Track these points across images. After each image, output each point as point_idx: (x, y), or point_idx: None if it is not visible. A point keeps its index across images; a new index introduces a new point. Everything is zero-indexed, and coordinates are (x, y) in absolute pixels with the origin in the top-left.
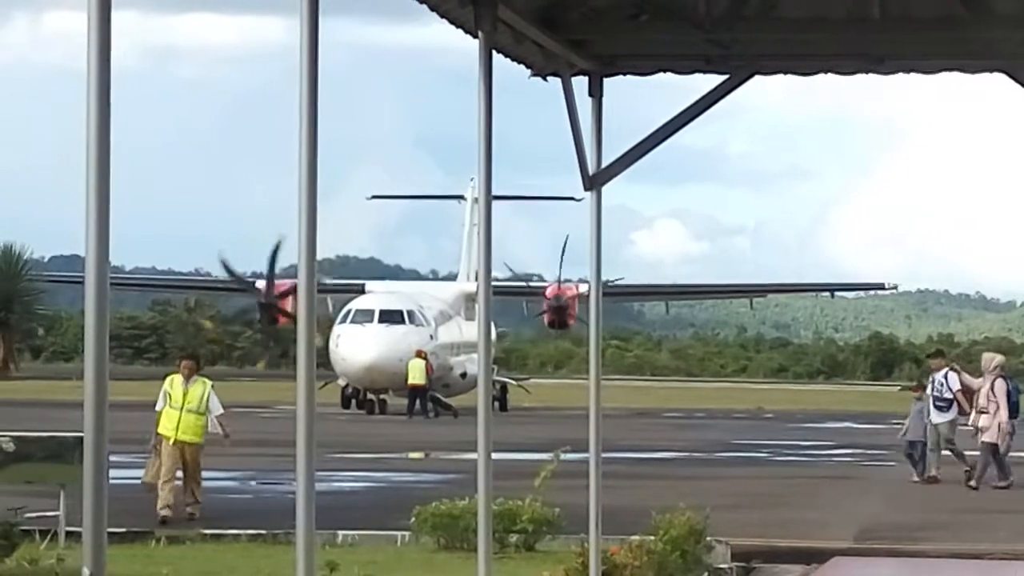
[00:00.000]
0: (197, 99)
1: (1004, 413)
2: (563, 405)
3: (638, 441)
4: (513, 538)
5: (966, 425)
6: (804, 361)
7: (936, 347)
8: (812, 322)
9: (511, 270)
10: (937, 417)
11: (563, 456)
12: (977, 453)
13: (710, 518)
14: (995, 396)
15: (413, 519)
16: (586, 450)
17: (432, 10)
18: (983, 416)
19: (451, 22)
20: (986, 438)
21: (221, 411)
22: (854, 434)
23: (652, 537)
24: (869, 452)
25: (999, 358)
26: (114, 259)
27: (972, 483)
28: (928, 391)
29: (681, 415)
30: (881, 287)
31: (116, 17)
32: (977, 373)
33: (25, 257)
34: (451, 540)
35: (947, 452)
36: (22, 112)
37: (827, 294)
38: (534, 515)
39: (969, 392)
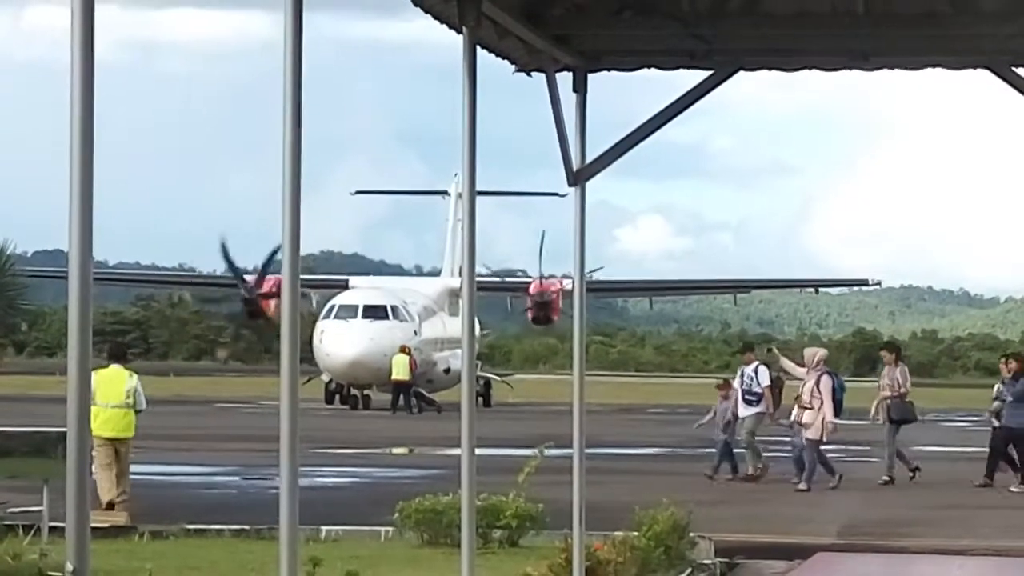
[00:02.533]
0: (181, 94)
1: (829, 410)
2: (547, 401)
3: (622, 437)
4: (497, 534)
5: (777, 423)
6: (788, 358)
7: (746, 342)
8: (796, 318)
9: (487, 268)
10: (744, 410)
11: (546, 452)
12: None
13: (693, 514)
14: (819, 392)
15: (397, 514)
16: (570, 446)
17: (416, 5)
18: (807, 412)
19: (435, 17)
20: (809, 435)
21: (145, 406)
22: (838, 430)
23: (635, 533)
24: (852, 448)
25: (822, 352)
26: (97, 254)
27: (801, 486)
28: (737, 385)
29: (665, 411)
30: (865, 283)
31: (99, 11)
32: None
33: (8, 252)
34: (435, 535)
35: (743, 448)
36: (4, 106)
37: (811, 290)
38: (518, 511)
39: (776, 387)
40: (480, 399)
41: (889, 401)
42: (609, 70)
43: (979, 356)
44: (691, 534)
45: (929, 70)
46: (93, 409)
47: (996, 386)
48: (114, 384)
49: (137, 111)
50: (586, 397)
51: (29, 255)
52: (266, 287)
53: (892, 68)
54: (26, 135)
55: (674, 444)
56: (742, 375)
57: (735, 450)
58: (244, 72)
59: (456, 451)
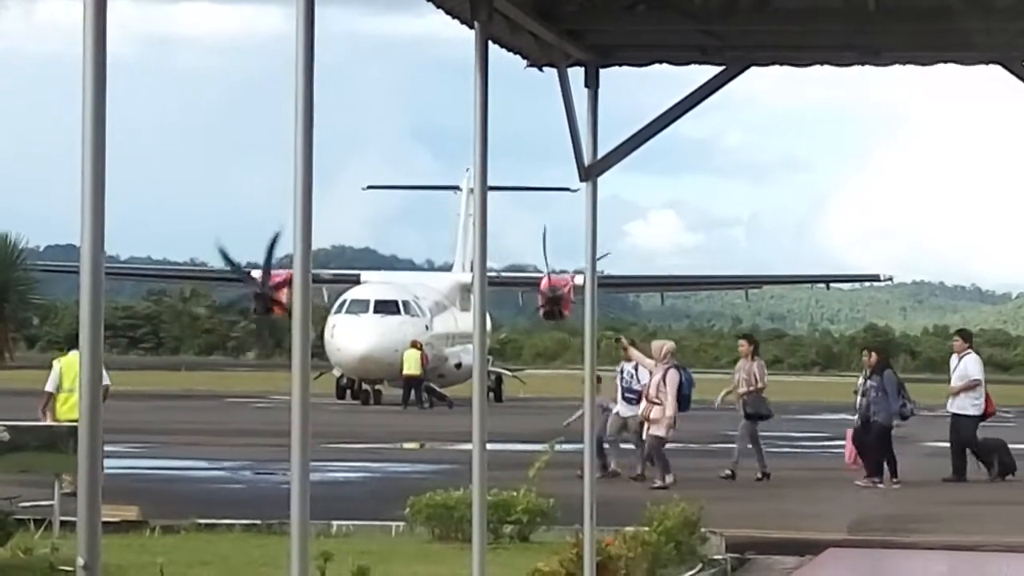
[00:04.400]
0: (194, 88)
1: (670, 405)
2: (558, 396)
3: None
4: (508, 529)
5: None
6: (799, 353)
7: (620, 338)
8: (807, 314)
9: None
10: (626, 410)
11: (557, 447)
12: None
13: (704, 509)
14: (666, 387)
15: (408, 509)
16: (580, 441)
17: (428, 0)
18: (654, 408)
19: (447, 12)
20: (654, 431)
21: (108, 382)
22: (849, 425)
23: (646, 528)
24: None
25: (669, 345)
26: (109, 248)
27: (659, 480)
28: (617, 382)
29: None
30: (876, 279)
31: (112, 5)
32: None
33: (20, 246)
34: (446, 531)
35: (630, 445)
36: (17, 101)
37: (822, 285)
38: (529, 506)
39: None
40: (491, 394)
41: (744, 396)
42: (621, 65)
43: (990, 352)
44: (702, 529)
45: (941, 66)
46: (61, 395)
47: (859, 381)
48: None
49: (149, 106)
50: (597, 392)
51: (41, 249)
52: (277, 281)
53: (903, 64)
54: (38, 130)
55: (685, 439)
56: (622, 372)
57: (605, 446)
58: (256, 67)
59: (467, 446)
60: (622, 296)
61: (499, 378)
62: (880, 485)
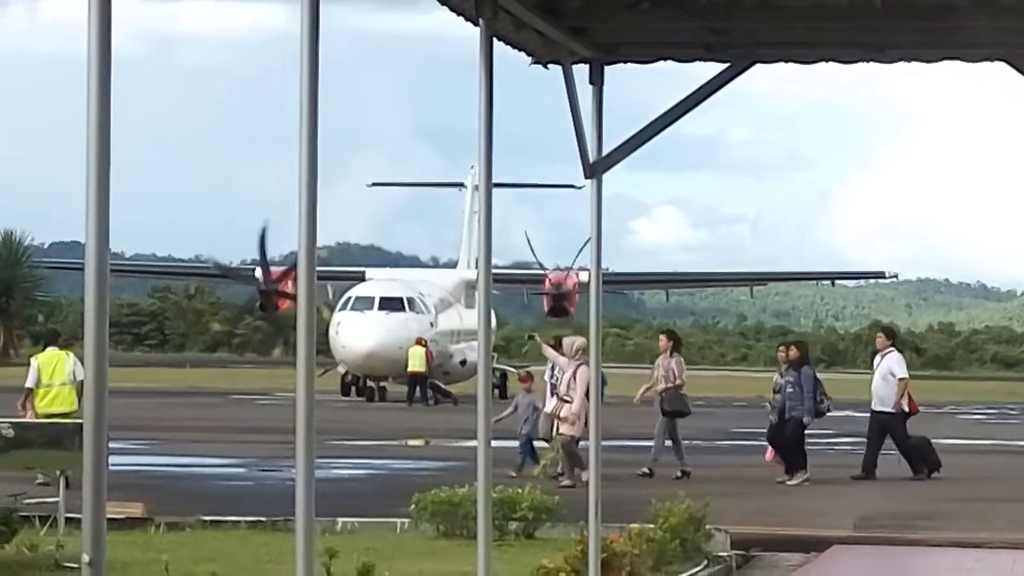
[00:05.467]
0: (198, 86)
1: (578, 402)
2: None
3: (638, 429)
4: (513, 526)
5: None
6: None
7: (556, 336)
8: (812, 310)
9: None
10: (551, 407)
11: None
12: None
13: (709, 506)
14: (576, 384)
15: (413, 506)
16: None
17: None
18: (565, 406)
19: (451, 9)
20: (564, 430)
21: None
22: (854, 422)
23: (652, 525)
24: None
25: (581, 341)
26: (114, 246)
27: (567, 481)
28: (547, 378)
29: None
30: (881, 275)
31: (117, 3)
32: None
33: (25, 243)
34: (451, 527)
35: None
36: (22, 99)
37: (827, 282)
38: (534, 503)
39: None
40: (496, 391)
41: (663, 393)
42: (626, 62)
43: (996, 349)
44: (707, 526)
45: (945, 63)
46: (40, 391)
47: (775, 377)
48: (57, 365)
49: (154, 103)
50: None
51: (46, 247)
52: (275, 275)
53: (908, 61)
54: (43, 128)
55: (690, 436)
56: (552, 370)
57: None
58: (261, 64)
59: (472, 443)
60: (627, 293)
61: (504, 375)
62: (791, 482)
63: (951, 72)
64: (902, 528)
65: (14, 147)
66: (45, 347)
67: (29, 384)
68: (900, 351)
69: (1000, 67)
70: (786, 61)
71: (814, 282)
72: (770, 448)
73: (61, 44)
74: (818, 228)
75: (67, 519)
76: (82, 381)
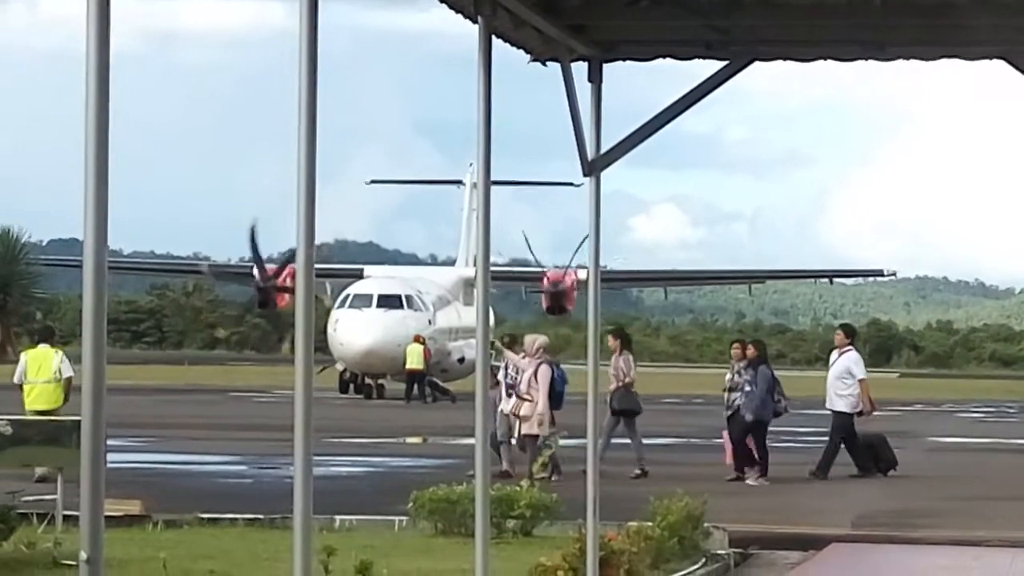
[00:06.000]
0: (197, 83)
1: (542, 401)
2: None
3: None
4: (510, 523)
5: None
6: (802, 347)
7: (510, 334)
8: (811, 308)
9: (500, 255)
10: (509, 405)
11: (560, 442)
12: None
13: (708, 504)
14: (537, 383)
15: (411, 504)
16: (584, 435)
17: None
18: (525, 404)
19: (450, 6)
20: (526, 429)
21: (71, 374)
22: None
23: (650, 523)
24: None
25: (542, 339)
26: (112, 243)
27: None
28: (501, 377)
29: (679, 401)
30: (880, 273)
31: (116, 0)
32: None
33: (23, 240)
34: (449, 525)
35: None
36: (21, 96)
37: (826, 280)
38: (532, 500)
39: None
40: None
41: (612, 391)
42: (624, 60)
43: (994, 347)
44: (705, 524)
45: (944, 60)
46: (27, 387)
47: (728, 375)
48: (44, 362)
49: (153, 100)
50: (600, 387)
51: (44, 244)
52: (271, 272)
53: (908, 58)
54: (42, 125)
55: (689, 434)
56: (506, 368)
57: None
58: (259, 62)
59: (470, 440)
60: (626, 291)
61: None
62: (749, 481)
63: (950, 70)
64: (900, 526)
65: (13, 144)
66: (37, 344)
67: (16, 380)
68: (859, 350)
69: (999, 65)
70: (785, 59)
71: (812, 280)
72: (731, 448)
73: (61, 41)
74: (817, 226)
75: (65, 516)
76: (69, 378)
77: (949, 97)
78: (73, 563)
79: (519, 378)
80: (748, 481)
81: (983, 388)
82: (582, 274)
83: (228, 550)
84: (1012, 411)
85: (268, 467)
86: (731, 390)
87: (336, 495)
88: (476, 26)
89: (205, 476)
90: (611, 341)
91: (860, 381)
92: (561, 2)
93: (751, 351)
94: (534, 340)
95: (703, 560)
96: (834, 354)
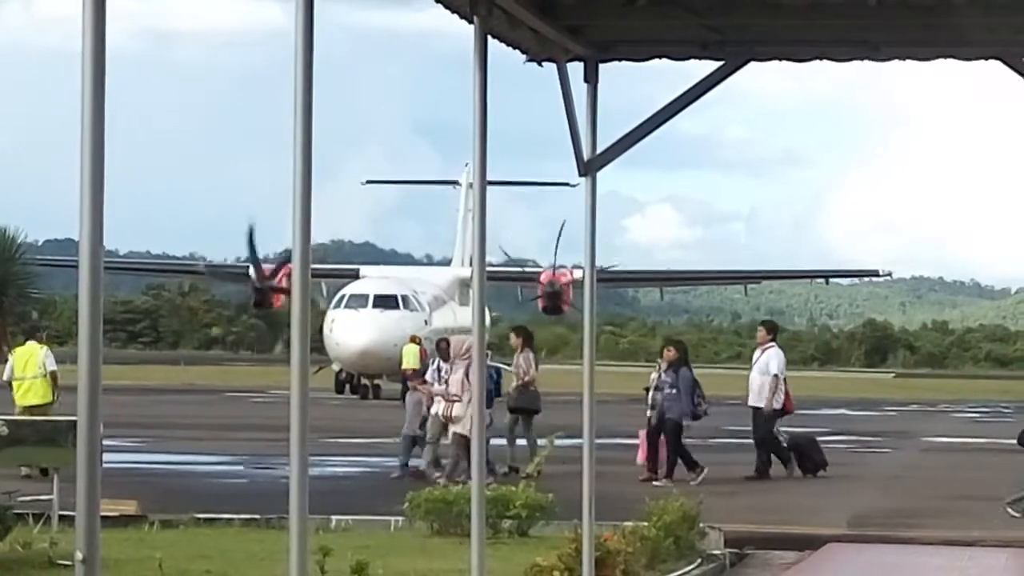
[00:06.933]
0: (193, 82)
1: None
2: (557, 390)
3: (632, 427)
4: (506, 523)
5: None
6: (798, 348)
7: (444, 338)
8: (806, 309)
9: (506, 254)
10: (439, 408)
11: (557, 442)
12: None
13: (703, 504)
14: (469, 384)
15: (407, 504)
16: (580, 435)
17: None
18: (456, 405)
19: (446, 7)
20: (458, 429)
21: (54, 368)
22: (848, 421)
23: (646, 523)
24: (863, 439)
25: (469, 341)
26: (108, 243)
27: (442, 480)
28: (429, 377)
29: None
30: (875, 274)
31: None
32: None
33: (19, 240)
34: (445, 525)
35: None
36: (16, 95)
37: (821, 281)
38: (528, 500)
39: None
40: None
41: (511, 390)
42: (620, 60)
43: (990, 347)
44: (701, 524)
45: (940, 61)
46: (14, 383)
47: (652, 375)
48: (30, 358)
49: (149, 99)
50: (596, 387)
51: (40, 244)
52: (268, 272)
53: (904, 59)
54: (38, 124)
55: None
56: (439, 370)
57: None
58: (256, 61)
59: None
60: (622, 291)
61: (498, 372)
62: (658, 483)
63: (946, 70)
64: (895, 526)
65: (9, 143)
66: (25, 341)
67: (5, 377)
68: (781, 347)
69: (995, 65)
70: (781, 59)
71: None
72: (646, 449)
73: (57, 40)
74: (812, 226)
75: (61, 517)
76: (53, 372)
77: (945, 98)
78: (69, 563)
79: (448, 378)
80: (655, 483)
81: (979, 388)
82: (578, 274)
83: (224, 550)
84: (1007, 411)
85: (264, 467)
86: (655, 389)
87: (332, 495)
88: (472, 26)
89: (201, 476)
90: (513, 339)
91: (772, 377)
92: (557, 2)
93: (671, 354)
94: (462, 342)
95: (699, 560)
96: (757, 351)
